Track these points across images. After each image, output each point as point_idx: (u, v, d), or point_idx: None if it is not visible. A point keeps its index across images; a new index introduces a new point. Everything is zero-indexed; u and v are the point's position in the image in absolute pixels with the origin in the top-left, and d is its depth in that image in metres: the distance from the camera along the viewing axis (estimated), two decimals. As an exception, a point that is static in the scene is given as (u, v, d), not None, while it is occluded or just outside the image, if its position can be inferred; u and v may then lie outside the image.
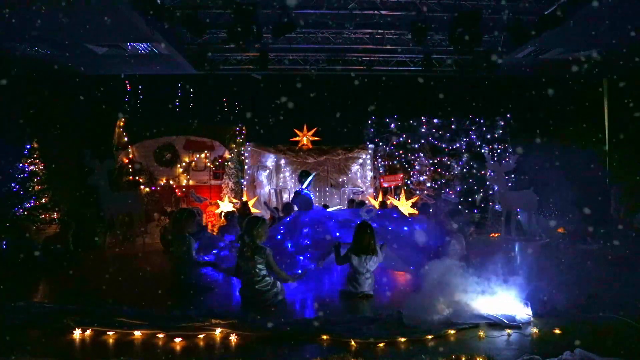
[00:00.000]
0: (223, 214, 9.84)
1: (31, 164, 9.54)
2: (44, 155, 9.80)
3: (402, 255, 6.73)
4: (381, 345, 3.78)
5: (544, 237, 9.49)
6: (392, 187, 11.57)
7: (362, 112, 11.80)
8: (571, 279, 4.88)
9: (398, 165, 11.89)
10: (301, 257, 6.64)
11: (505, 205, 10.61)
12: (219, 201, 10.94)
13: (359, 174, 12.14)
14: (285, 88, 11.16)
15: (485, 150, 11.80)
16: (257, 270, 5.09)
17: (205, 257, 6.61)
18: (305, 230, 7.20)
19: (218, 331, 4.05)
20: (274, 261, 5.28)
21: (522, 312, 4.39)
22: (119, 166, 10.82)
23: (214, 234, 8.73)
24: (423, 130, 11.93)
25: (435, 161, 11.85)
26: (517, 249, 8.59)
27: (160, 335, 4.01)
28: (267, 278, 5.16)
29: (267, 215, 9.32)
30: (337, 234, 7.26)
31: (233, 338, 3.95)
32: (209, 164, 11.44)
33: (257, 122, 11.34)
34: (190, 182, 11.34)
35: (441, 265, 4.78)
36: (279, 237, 7.10)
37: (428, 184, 11.78)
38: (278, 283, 5.31)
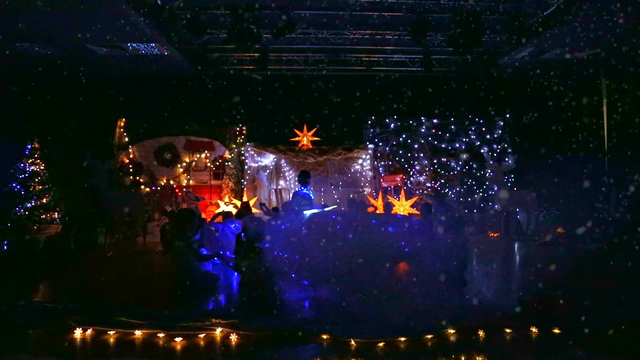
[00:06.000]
0: (221, 214, 9.81)
1: (32, 164, 9.57)
2: (45, 156, 9.81)
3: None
4: (381, 345, 3.80)
5: (543, 237, 9.51)
6: (392, 187, 11.58)
7: (362, 112, 11.82)
8: (569, 280, 4.89)
9: (398, 165, 11.90)
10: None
11: (504, 205, 10.64)
12: (219, 201, 10.96)
13: (359, 174, 12.15)
14: (285, 88, 11.18)
15: (484, 150, 11.81)
16: (254, 269, 5.12)
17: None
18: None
19: (218, 331, 4.07)
20: (265, 260, 5.32)
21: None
22: (119, 166, 10.83)
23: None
24: (423, 130, 11.94)
25: (435, 161, 11.87)
26: (515, 248, 8.61)
27: (161, 335, 4.02)
28: (265, 277, 5.18)
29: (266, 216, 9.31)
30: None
31: (233, 338, 3.96)
32: (209, 164, 11.45)
33: (257, 122, 11.36)
34: (191, 182, 11.35)
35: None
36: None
37: (428, 184, 11.79)
38: (277, 282, 5.34)
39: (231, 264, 6.43)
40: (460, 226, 6.22)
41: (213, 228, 8.04)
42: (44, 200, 9.53)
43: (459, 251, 5.78)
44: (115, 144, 11.05)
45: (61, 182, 9.99)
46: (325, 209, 8.80)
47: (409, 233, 6.09)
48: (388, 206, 9.90)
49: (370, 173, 11.95)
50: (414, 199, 11.08)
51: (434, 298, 4.73)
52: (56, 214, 9.69)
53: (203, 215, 9.93)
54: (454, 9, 8.22)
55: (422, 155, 11.91)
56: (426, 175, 11.87)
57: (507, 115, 12.00)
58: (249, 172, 11.58)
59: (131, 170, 10.93)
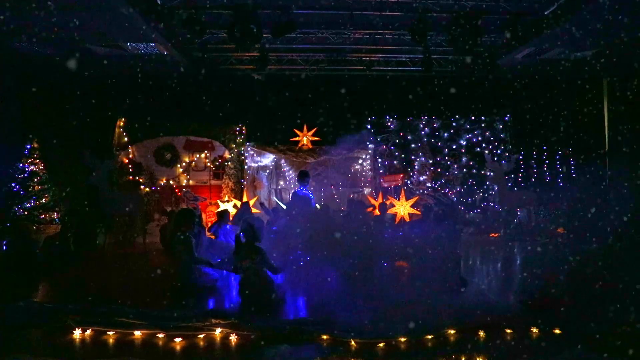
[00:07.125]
0: (217, 212, 9.79)
1: (31, 163, 9.56)
2: (44, 155, 9.80)
3: None
4: (381, 345, 3.79)
5: (544, 237, 9.50)
6: (392, 187, 11.57)
7: (362, 112, 11.81)
8: (569, 280, 4.88)
9: (398, 165, 11.90)
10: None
11: (504, 206, 10.63)
12: (219, 201, 10.94)
13: (359, 174, 12.15)
14: (286, 88, 11.18)
15: (484, 151, 11.80)
16: (253, 270, 5.11)
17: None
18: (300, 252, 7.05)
19: (218, 331, 4.07)
20: (268, 258, 5.29)
21: None
22: (119, 166, 10.82)
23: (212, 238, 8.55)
24: (423, 130, 11.93)
25: (435, 161, 11.86)
26: (515, 248, 8.59)
27: (161, 335, 4.03)
28: (265, 277, 5.17)
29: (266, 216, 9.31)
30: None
31: (233, 338, 3.96)
32: (209, 164, 11.44)
33: (257, 122, 11.35)
34: (191, 182, 11.34)
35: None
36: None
37: (428, 184, 11.78)
38: (277, 282, 5.33)
39: (224, 271, 6.38)
40: (440, 221, 6.20)
41: (208, 234, 8.00)
42: (44, 200, 9.52)
43: (452, 248, 5.76)
44: (115, 143, 11.04)
45: (61, 182, 9.98)
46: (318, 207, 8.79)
47: (408, 233, 6.11)
48: (383, 207, 9.86)
49: (370, 173, 11.95)
50: (414, 199, 11.07)
51: (434, 298, 4.73)
52: (55, 214, 9.67)
53: (203, 216, 9.94)
54: (454, 9, 8.22)
55: (422, 155, 11.90)
56: (426, 175, 11.86)
57: (507, 115, 11.99)
58: (248, 172, 11.57)
59: (131, 170, 10.93)
